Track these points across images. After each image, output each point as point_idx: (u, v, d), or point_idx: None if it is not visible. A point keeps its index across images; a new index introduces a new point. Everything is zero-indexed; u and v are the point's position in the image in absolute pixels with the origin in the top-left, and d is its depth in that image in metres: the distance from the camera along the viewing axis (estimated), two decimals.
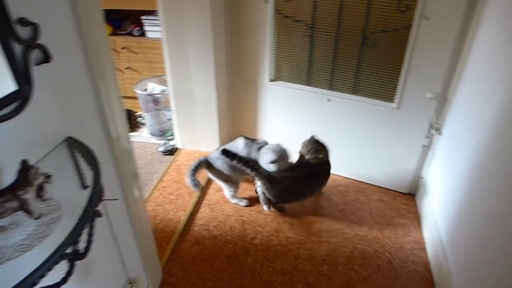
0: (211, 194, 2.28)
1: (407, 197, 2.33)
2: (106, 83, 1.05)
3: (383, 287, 1.72)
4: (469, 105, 1.73)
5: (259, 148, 2.07)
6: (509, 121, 1.33)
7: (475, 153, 1.56)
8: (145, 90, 2.83)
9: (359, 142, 2.32)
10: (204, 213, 2.13)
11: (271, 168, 1.98)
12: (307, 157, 2.03)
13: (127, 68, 2.92)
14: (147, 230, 1.46)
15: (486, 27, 1.64)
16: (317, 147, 2.04)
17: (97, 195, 0.72)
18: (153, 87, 2.80)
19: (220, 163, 2.07)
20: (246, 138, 2.13)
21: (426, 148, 2.17)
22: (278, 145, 2.06)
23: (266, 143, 2.11)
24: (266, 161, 1.98)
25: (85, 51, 0.96)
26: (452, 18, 1.77)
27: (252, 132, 2.65)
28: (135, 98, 2.98)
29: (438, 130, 2.04)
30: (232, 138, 2.77)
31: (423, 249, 1.95)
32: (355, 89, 2.20)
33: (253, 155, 2.07)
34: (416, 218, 2.15)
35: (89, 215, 0.68)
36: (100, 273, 1.07)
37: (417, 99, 2.02)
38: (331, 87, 2.26)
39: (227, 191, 2.19)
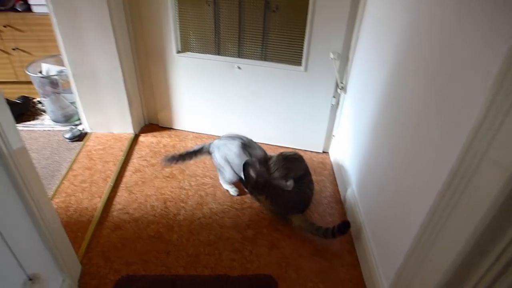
0: (128, 177, 2.17)
1: (322, 156, 2.46)
2: None
3: (305, 241, 1.82)
4: (367, 62, 1.84)
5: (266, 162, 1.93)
6: (398, 73, 1.44)
7: (374, 106, 1.68)
8: (40, 72, 2.54)
9: (272, 108, 2.37)
10: (122, 196, 2.03)
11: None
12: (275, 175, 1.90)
13: (15, 49, 2.59)
14: (54, 223, 1.34)
15: None
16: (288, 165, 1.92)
17: None
18: (49, 68, 2.52)
19: (220, 155, 2.00)
20: (243, 143, 1.97)
21: (335, 107, 2.29)
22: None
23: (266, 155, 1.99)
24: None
25: None
26: None
27: (166, 107, 2.55)
28: (29, 83, 2.67)
29: (343, 89, 2.16)
30: (147, 118, 2.65)
31: (339, 201, 2.09)
32: (263, 55, 2.22)
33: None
34: (331, 174, 2.29)
35: None
36: None
37: (322, 60, 2.10)
38: (240, 54, 2.24)
39: (221, 177, 2.11)
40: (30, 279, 1.02)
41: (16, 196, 1.08)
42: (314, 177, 2.24)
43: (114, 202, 1.99)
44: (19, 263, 0.97)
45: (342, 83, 2.15)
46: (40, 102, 2.82)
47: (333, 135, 2.41)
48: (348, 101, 2.14)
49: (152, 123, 2.69)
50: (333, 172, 2.30)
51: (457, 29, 1.03)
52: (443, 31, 1.10)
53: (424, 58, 1.22)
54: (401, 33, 1.42)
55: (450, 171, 0.98)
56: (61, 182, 2.09)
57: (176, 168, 2.25)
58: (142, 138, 2.53)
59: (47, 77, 2.46)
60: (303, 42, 2.08)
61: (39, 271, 1.07)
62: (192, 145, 2.48)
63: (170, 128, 2.65)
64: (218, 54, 2.27)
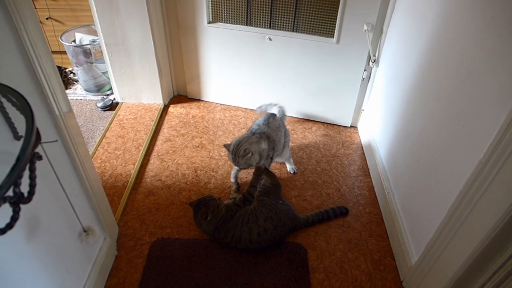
0: (159, 146, 2.23)
1: (351, 130, 2.45)
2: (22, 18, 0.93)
3: None
4: (403, 35, 1.80)
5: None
6: (436, 46, 1.41)
7: (408, 78, 1.65)
8: (73, 41, 2.59)
9: (302, 80, 2.35)
10: (154, 164, 2.09)
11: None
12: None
13: (48, 18, 2.63)
14: (96, 184, 1.40)
15: None
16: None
17: (32, 135, 0.66)
18: (82, 38, 2.56)
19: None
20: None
21: (365, 81, 2.25)
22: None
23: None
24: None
25: None
26: None
27: (195, 79, 2.57)
28: (62, 52, 2.73)
29: (376, 62, 2.12)
30: (176, 89, 2.68)
31: (367, 174, 2.09)
32: (295, 27, 2.19)
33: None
34: (359, 148, 2.29)
35: (27, 156, 0.63)
36: (50, 224, 1.02)
37: (355, 32, 2.06)
38: (271, 25, 2.22)
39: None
40: (85, 231, 1.08)
41: (66, 156, 1.14)
42: (342, 151, 2.25)
43: (147, 170, 2.05)
44: (77, 215, 1.03)
45: (374, 56, 2.11)
46: (71, 72, 2.88)
47: (363, 110, 2.38)
48: (380, 75, 2.10)
49: (181, 94, 2.73)
50: (362, 146, 2.29)
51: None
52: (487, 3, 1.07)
53: (465, 31, 1.19)
54: (442, 5, 1.37)
55: (491, 142, 0.97)
56: (96, 149, 2.16)
57: (205, 138, 2.29)
58: (172, 109, 2.57)
59: (80, 46, 2.50)
60: (336, 13, 2.04)
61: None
62: (220, 117, 2.51)
63: (199, 100, 2.68)
64: (249, 24, 2.26)
